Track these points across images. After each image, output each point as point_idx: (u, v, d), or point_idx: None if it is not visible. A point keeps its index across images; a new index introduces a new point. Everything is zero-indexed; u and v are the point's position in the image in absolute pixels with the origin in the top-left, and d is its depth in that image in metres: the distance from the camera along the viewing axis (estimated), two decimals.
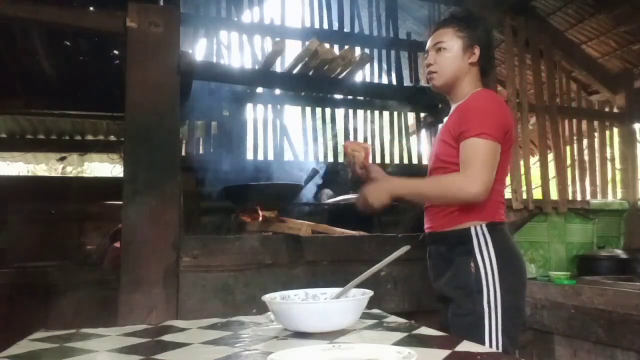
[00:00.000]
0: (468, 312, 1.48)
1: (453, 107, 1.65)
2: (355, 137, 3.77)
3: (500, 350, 1.42)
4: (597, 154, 3.84)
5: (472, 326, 1.45)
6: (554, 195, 3.43)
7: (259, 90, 3.55)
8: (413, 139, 4.02)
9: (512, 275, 1.52)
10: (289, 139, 3.58)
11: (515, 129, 3.32)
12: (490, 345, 1.43)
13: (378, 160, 3.87)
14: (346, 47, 3.35)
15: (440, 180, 1.55)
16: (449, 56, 1.60)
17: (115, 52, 3.20)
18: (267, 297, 1.17)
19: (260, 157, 3.49)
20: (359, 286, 1.23)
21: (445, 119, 1.69)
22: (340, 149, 3.15)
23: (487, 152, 1.45)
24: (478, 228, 1.51)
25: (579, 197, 3.65)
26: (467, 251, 1.49)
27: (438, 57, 1.61)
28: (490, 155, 1.46)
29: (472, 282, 1.48)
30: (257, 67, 3.35)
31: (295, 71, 3.12)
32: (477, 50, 1.60)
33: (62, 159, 4.90)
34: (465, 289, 1.50)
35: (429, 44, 1.66)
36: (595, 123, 3.91)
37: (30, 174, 6.44)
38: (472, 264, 1.49)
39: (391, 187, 1.58)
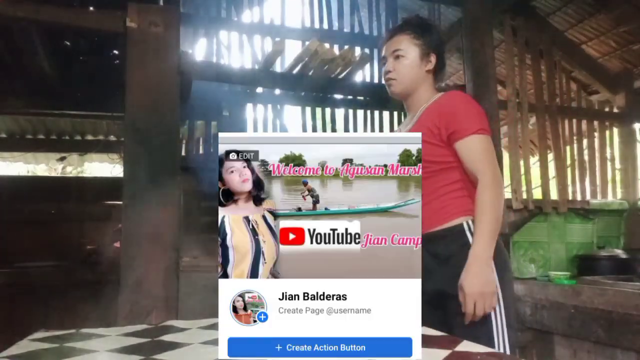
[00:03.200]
0: None
1: (416, 112, 1.64)
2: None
3: (507, 342, 1.44)
4: (597, 154, 3.84)
5: (478, 323, 1.42)
6: (554, 195, 3.43)
7: (259, 90, 3.55)
8: None
9: (504, 264, 1.52)
10: None
11: (514, 128, 3.34)
12: (498, 340, 1.43)
13: None
14: (346, 47, 3.36)
15: (484, 202, 1.46)
16: (407, 64, 1.61)
17: (115, 52, 3.19)
18: None
19: None
20: None
21: (408, 124, 1.66)
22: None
23: (489, 147, 1.51)
24: (470, 222, 1.50)
25: (579, 197, 3.65)
26: (462, 247, 1.46)
27: (397, 65, 1.63)
28: (491, 148, 1.52)
29: None
30: (257, 67, 3.36)
31: (295, 71, 3.13)
32: (433, 58, 1.62)
33: (62, 159, 4.91)
34: None
35: (385, 50, 1.67)
36: (595, 123, 3.91)
37: (30, 174, 6.44)
38: None
39: (485, 260, 1.42)
